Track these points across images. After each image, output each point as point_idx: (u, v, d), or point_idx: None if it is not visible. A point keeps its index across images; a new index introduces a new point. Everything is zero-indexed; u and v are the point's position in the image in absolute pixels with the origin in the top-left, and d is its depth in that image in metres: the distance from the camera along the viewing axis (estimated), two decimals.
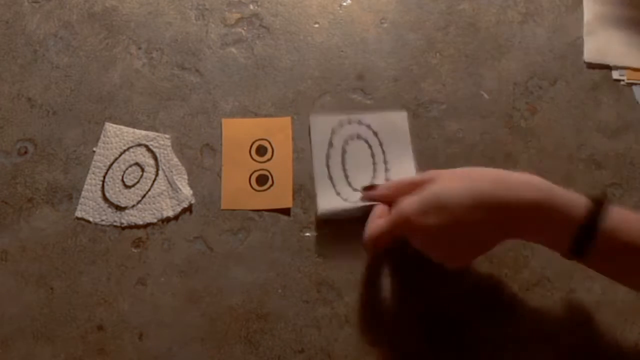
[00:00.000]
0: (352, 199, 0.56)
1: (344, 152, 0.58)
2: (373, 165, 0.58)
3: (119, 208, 0.56)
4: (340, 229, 0.56)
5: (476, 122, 0.60)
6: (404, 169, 0.57)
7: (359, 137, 0.58)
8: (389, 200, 0.50)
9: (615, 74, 0.61)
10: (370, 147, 0.58)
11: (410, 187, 0.48)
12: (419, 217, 0.45)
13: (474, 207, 0.44)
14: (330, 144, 0.58)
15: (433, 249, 0.48)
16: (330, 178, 0.57)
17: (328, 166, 0.57)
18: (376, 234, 0.49)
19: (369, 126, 0.59)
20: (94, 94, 0.59)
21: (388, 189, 0.51)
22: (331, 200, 0.56)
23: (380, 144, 0.58)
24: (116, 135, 0.58)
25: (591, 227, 0.42)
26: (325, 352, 0.53)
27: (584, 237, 0.42)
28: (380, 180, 0.57)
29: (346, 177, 0.57)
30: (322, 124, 0.58)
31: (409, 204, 0.46)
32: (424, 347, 0.54)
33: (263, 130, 0.59)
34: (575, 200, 0.43)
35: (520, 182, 0.45)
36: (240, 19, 0.61)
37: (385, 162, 0.58)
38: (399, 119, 0.59)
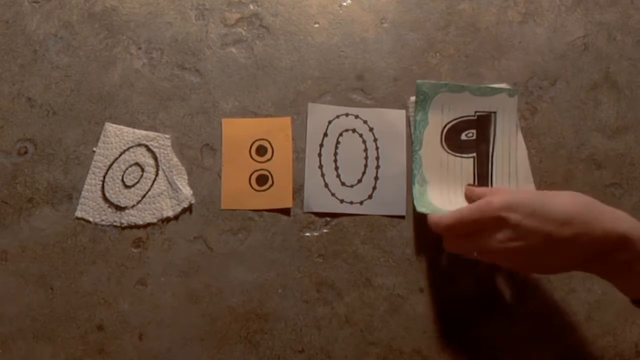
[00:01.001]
0: (338, 193, 0.57)
1: (337, 143, 0.58)
2: (364, 159, 0.58)
3: (119, 208, 0.56)
4: (341, 229, 0.57)
5: None
6: (394, 168, 0.58)
7: (354, 131, 0.59)
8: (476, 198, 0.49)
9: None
10: (364, 142, 0.58)
11: (504, 190, 0.47)
12: (513, 214, 0.43)
13: (570, 223, 0.43)
14: (325, 134, 0.58)
15: (509, 252, 0.45)
16: (321, 167, 0.57)
17: (320, 155, 0.58)
18: (452, 221, 0.47)
19: (365, 122, 0.59)
20: (94, 94, 0.59)
21: (488, 190, 0.50)
22: (318, 191, 0.57)
23: (375, 140, 0.58)
24: (116, 135, 0.58)
25: None
26: (325, 352, 0.53)
27: None
28: (368, 175, 0.57)
29: (336, 168, 0.57)
30: (320, 113, 0.59)
31: (504, 198, 0.44)
32: (423, 347, 0.54)
33: (263, 130, 0.59)
34: None
35: (614, 215, 0.44)
36: (240, 19, 0.61)
37: (377, 158, 0.58)
38: (397, 118, 0.59)
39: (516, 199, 0.44)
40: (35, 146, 0.58)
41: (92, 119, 0.58)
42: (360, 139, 0.59)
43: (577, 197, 0.45)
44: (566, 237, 0.43)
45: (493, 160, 0.57)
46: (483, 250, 0.46)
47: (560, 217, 0.43)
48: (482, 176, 0.57)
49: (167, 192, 0.57)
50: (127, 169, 0.58)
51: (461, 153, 0.57)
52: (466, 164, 0.57)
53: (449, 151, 0.57)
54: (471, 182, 0.57)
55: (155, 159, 0.58)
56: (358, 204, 0.57)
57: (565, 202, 0.44)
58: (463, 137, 0.58)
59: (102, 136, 0.58)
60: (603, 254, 0.43)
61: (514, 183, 0.57)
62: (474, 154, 0.57)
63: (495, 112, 0.58)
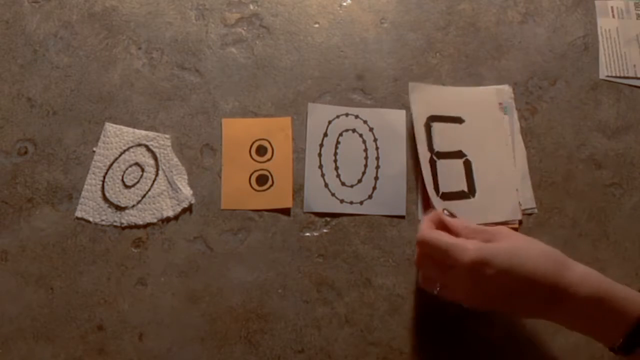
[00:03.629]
0: (338, 193, 0.57)
1: (337, 143, 0.58)
2: (364, 159, 0.58)
3: (119, 208, 0.56)
4: (341, 229, 0.57)
5: None
6: (394, 168, 0.58)
7: (354, 130, 0.59)
8: (453, 231, 0.50)
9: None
10: (364, 142, 0.58)
11: (480, 234, 0.48)
12: (488, 269, 0.44)
13: (535, 283, 0.44)
14: (325, 134, 0.58)
15: (470, 294, 0.47)
16: (321, 167, 0.57)
17: (320, 155, 0.58)
18: (430, 241, 0.47)
19: (365, 122, 0.59)
20: (94, 94, 0.59)
21: (463, 228, 0.50)
22: (318, 191, 0.57)
23: (375, 140, 0.58)
24: (116, 135, 0.58)
25: None
26: (325, 352, 0.53)
27: (638, 336, 0.43)
28: (368, 175, 0.57)
29: (336, 168, 0.57)
30: (320, 113, 0.59)
31: (480, 253, 0.45)
32: (423, 347, 0.54)
33: (263, 130, 0.59)
34: (632, 297, 0.43)
35: (582, 273, 0.45)
36: (240, 19, 0.61)
37: (377, 158, 0.58)
38: (397, 118, 0.59)
39: (492, 253, 0.45)
40: (35, 146, 0.58)
41: (92, 119, 0.58)
42: (360, 139, 0.59)
43: (546, 255, 0.46)
44: (534, 294, 0.45)
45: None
46: (445, 283, 0.48)
47: (530, 277, 0.44)
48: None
49: (167, 192, 0.57)
50: (127, 169, 0.58)
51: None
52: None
53: None
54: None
55: (155, 159, 0.58)
56: (358, 204, 0.57)
57: (537, 261, 0.45)
58: None
59: (102, 136, 0.58)
60: (571, 311, 0.45)
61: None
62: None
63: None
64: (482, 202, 0.56)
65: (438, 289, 0.49)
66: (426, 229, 0.49)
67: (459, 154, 0.57)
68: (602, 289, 0.44)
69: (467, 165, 0.57)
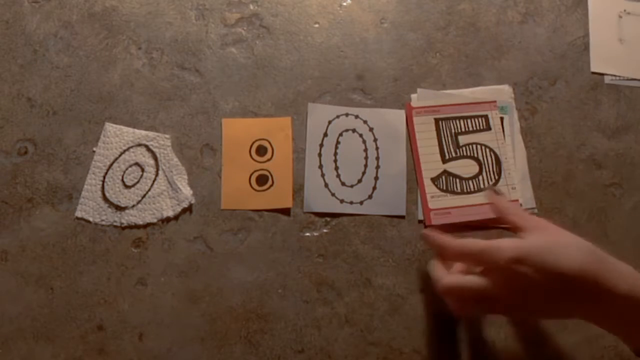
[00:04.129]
0: (338, 193, 0.57)
1: (337, 143, 0.58)
2: (364, 159, 0.58)
3: (119, 208, 0.56)
4: (341, 229, 0.57)
5: None
6: (394, 168, 0.58)
7: (354, 130, 0.59)
8: (494, 211, 0.49)
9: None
10: (364, 142, 0.58)
11: (512, 222, 0.47)
12: (523, 267, 0.43)
13: (571, 283, 0.42)
14: (326, 134, 0.58)
15: (510, 299, 0.45)
16: (321, 167, 0.57)
17: (320, 155, 0.58)
18: (458, 249, 0.47)
19: (366, 122, 0.59)
20: (94, 94, 0.59)
21: (503, 205, 0.49)
22: (318, 191, 0.57)
23: (375, 140, 0.58)
24: (116, 135, 0.58)
25: None
26: (325, 352, 0.53)
27: None
28: (368, 175, 0.57)
29: (336, 168, 0.57)
30: (320, 113, 0.59)
31: (516, 250, 0.44)
32: (423, 347, 0.54)
33: (263, 130, 0.59)
34: None
35: (621, 270, 0.43)
36: (240, 19, 0.61)
37: (377, 158, 0.58)
38: (397, 118, 0.59)
39: (528, 250, 0.44)
40: (35, 146, 0.58)
41: (92, 119, 0.58)
42: (361, 139, 0.59)
43: (584, 251, 0.44)
44: (571, 292, 0.43)
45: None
46: (482, 295, 0.45)
47: (567, 274, 0.42)
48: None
49: (167, 192, 0.57)
50: (127, 169, 0.58)
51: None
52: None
53: None
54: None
55: (155, 159, 0.58)
56: (358, 204, 0.57)
57: (574, 257, 0.43)
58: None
59: (102, 136, 0.58)
60: (605, 309, 0.43)
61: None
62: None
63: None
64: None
65: (476, 309, 0.47)
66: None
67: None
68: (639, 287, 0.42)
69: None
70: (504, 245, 0.44)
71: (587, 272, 0.43)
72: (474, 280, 0.45)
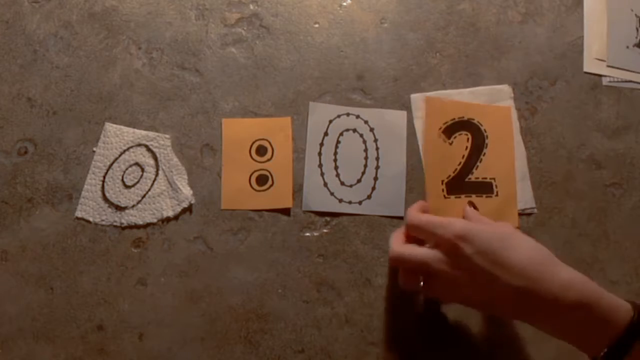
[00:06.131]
0: (337, 192, 0.57)
1: (337, 142, 0.58)
2: (364, 160, 0.58)
3: (119, 208, 0.56)
4: (341, 229, 0.57)
5: None
6: (394, 168, 0.58)
7: (355, 130, 0.59)
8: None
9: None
10: (364, 142, 0.58)
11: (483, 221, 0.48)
12: (467, 245, 0.43)
13: (520, 276, 0.42)
14: (326, 133, 0.58)
15: (449, 279, 0.45)
16: (320, 166, 0.57)
17: (320, 154, 0.58)
18: (415, 221, 0.48)
19: (366, 122, 0.59)
20: (94, 94, 0.59)
21: (474, 217, 0.51)
22: (317, 190, 0.57)
23: (375, 141, 0.58)
24: (116, 135, 0.58)
25: (632, 337, 0.41)
26: (325, 352, 0.53)
27: (623, 347, 0.41)
28: (368, 175, 0.57)
29: (335, 167, 0.57)
30: (321, 112, 0.59)
31: (466, 227, 0.44)
32: (423, 347, 0.54)
33: (263, 130, 0.59)
34: (618, 306, 0.42)
35: (569, 277, 0.43)
36: (240, 19, 0.61)
37: (377, 158, 0.58)
38: (398, 118, 0.59)
39: (477, 232, 0.44)
40: (35, 146, 0.58)
41: (92, 119, 0.58)
42: (361, 139, 0.59)
43: (534, 251, 0.44)
44: (510, 285, 0.42)
45: None
46: (428, 268, 0.46)
47: (512, 265, 0.43)
48: None
49: (167, 192, 0.57)
50: (127, 169, 0.58)
51: None
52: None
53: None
54: None
55: (155, 159, 0.58)
56: (357, 204, 0.57)
57: (522, 253, 0.43)
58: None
59: (102, 136, 0.58)
60: (553, 315, 0.43)
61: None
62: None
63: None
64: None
65: (421, 283, 0.47)
66: (410, 211, 0.49)
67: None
68: (589, 295, 0.42)
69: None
70: (455, 222, 0.45)
71: (531, 271, 0.42)
72: (419, 251, 0.46)
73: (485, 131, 0.57)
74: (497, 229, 0.46)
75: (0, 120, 0.58)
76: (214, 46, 0.60)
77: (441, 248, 0.45)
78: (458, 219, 0.47)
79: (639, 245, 0.57)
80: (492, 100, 0.59)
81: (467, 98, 0.59)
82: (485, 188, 0.56)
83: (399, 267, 0.49)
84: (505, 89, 0.60)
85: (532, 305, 0.43)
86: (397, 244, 0.49)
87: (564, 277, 0.43)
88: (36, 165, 0.57)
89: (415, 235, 0.49)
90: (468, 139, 0.57)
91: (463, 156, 0.57)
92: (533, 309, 0.43)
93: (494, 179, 0.56)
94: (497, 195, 0.56)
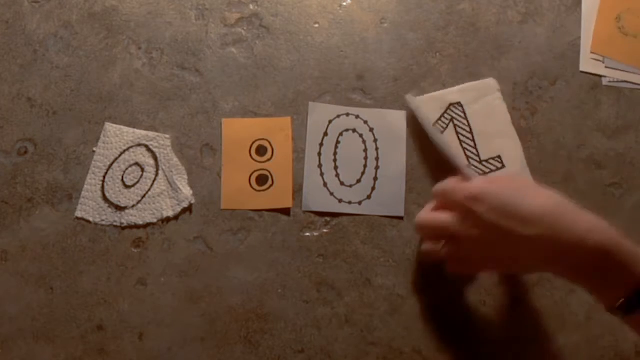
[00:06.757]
0: (337, 192, 0.57)
1: (337, 143, 0.58)
2: (364, 160, 0.58)
3: (119, 208, 0.56)
4: (341, 229, 0.57)
5: None
6: (394, 168, 0.58)
7: (354, 131, 0.59)
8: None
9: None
10: (364, 142, 0.58)
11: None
12: (479, 204, 0.44)
13: (534, 224, 0.42)
14: (326, 133, 0.58)
15: (468, 240, 0.45)
16: (320, 166, 0.57)
17: (320, 154, 0.58)
18: (437, 189, 0.49)
19: (366, 122, 0.59)
20: (94, 94, 0.59)
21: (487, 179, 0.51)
22: (317, 190, 0.57)
23: (375, 141, 0.58)
24: (116, 135, 0.58)
25: None
26: (325, 352, 0.53)
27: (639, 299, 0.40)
28: (368, 175, 0.57)
29: (335, 167, 0.58)
30: (321, 112, 0.59)
31: (478, 187, 0.45)
32: (423, 347, 0.54)
33: (263, 130, 0.59)
34: (639, 255, 0.41)
35: (590, 222, 0.43)
36: (240, 19, 0.61)
37: (376, 159, 0.58)
38: (397, 118, 0.59)
39: (488, 190, 0.44)
40: (35, 146, 0.58)
41: (92, 119, 0.58)
42: (361, 139, 0.59)
43: (551, 199, 0.44)
44: (526, 237, 0.42)
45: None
46: (447, 232, 0.47)
47: (526, 216, 0.42)
48: None
49: (167, 192, 0.57)
50: (127, 169, 0.58)
51: None
52: None
53: None
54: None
55: (155, 159, 0.58)
56: (357, 204, 0.57)
57: (536, 202, 0.43)
58: None
59: (102, 136, 0.58)
60: (574, 261, 0.42)
61: None
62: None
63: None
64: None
65: (443, 248, 0.47)
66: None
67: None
68: (610, 240, 0.41)
69: None
70: (469, 184, 0.46)
71: (549, 220, 0.42)
72: (439, 215, 0.47)
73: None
74: (510, 184, 0.46)
75: (0, 120, 0.58)
76: (214, 46, 0.60)
77: (458, 211, 0.46)
78: (474, 181, 0.47)
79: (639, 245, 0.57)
80: (480, 95, 0.59)
81: (456, 95, 0.59)
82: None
83: (422, 235, 0.51)
84: (492, 82, 0.60)
85: (553, 253, 0.42)
86: (423, 212, 0.50)
87: (585, 222, 0.42)
88: (36, 165, 0.57)
89: (441, 204, 0.49)
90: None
91: None
92: (554, 257, 0.43)
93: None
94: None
